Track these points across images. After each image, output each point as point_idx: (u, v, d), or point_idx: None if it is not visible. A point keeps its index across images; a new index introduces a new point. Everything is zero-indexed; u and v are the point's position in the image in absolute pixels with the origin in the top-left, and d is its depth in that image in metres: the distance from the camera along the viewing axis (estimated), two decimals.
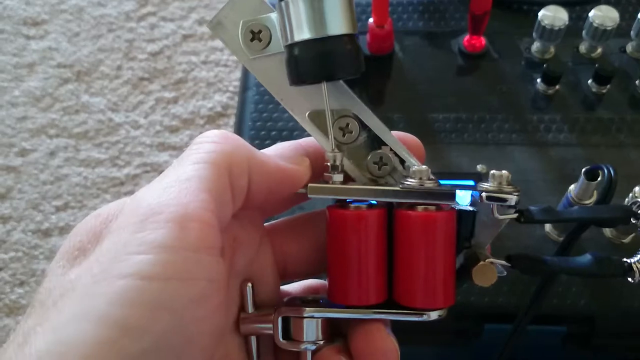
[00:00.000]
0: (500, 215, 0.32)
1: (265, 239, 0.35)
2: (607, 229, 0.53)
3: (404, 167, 0.34)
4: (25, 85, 0.87)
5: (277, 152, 0.34)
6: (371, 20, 0.62)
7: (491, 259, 0.33)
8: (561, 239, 0.53)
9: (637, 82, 0.61)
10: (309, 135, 0.34)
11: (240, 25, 0.32)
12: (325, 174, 0.33)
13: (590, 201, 0.50)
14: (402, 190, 0.32)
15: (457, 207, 0.33)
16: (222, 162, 0.29)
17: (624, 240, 0.53)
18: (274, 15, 0.32)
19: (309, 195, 0.32)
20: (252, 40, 0.32)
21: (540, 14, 0.60)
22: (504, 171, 0.32)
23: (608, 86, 0.61)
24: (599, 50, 0.63)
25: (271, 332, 0.33)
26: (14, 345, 0.25)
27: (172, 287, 0.26)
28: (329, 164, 0.32)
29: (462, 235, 0.34)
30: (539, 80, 0.62)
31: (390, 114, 0.62)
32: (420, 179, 0.32)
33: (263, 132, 0.62)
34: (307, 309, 0.33)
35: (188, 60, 0.86)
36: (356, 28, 0.31)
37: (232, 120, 0.81)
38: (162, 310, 0.25)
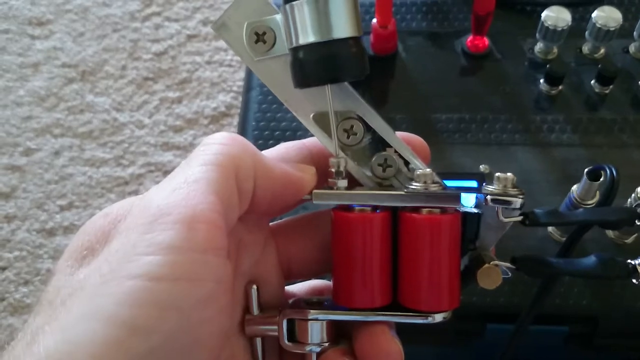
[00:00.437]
0: (505, 217, 0.32)
1: (269, 240, 0.35)
2: (610, 231, 0.54)
3: (408, 169, 0.34)
4: (30, 85, 0.87)
5: (281, 153, 0.34)
6: (374, 20, 0.62)
7: (496, 261, 0.33)
8: (564, 239, 0.53)
9: (639, 82, 0.61)
10: (313, 135, 0.34)
11: (245, 26, 0.32)
12: (330, 179, 0.33)
13: (592, 201, 0.50)
14: (406, 195, 0.32)
15: (462, 210, 0.33)
16: (229, 164, 0.29)
17: (626, 241, 0.53)
18: (278, 17, 0.32)
19: (314, 202, 0.33)
20: (256, 42, 0.32)
21: (543, 14, 0.60)
22: (508, 174, 0.32)
23: (611, 87, 0.61)
24: (602, 50, 0.63)
25: (276, 334, 0.33)
26: (22, 344, 0.25)
27: (180, 288, 0.26)
28: (333, 169, 0.33)
29: (467, 238, 0.34)
30: (542, 80, 0.62)
31: (393, 114, 0.62)
32: (425, 182, 0.32)
33: (267, 132, 0.62)
34: (311, 311, 0.33)
35: (192, 61, 0.87)
36: (361, 31, 0.31)
37: (235, 120, 0.81)
38: (170, 311, 0.26)
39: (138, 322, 0.25)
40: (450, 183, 0.34)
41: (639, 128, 0.59)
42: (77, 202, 0.78)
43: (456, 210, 0.32)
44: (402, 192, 0.32)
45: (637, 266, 0.33)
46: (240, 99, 0.81)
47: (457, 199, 0.32)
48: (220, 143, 0.30)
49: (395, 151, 0.34)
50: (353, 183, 0.34)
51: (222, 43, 0.87)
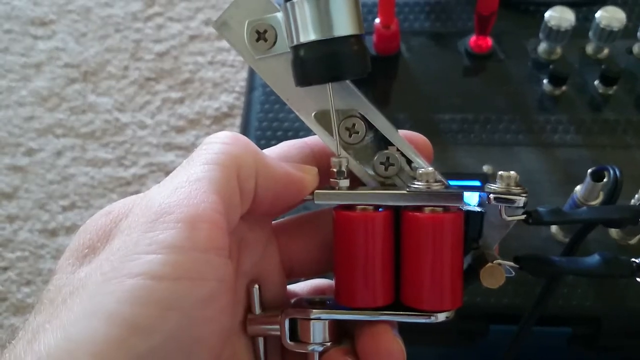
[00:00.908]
0: (509, 216, 0.32)
1: (271, 239, 0.35)
2: (613, 230, 0.53)
3: (411, 168, 0.34)
4: (32, 85, 0.87)
5: (283, 151, 0.34)
6: (377, 20, 0.62)
7: (499, 260, 0.33)
8: (567, 239, 0.53)
9: None
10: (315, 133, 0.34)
11: (246, 25, 0.32)
12: (331, 179, 0.33)
13: (596, 202, 0.50)
14: (409, 193, 0.32)
15: (465, 209, 0.33)
16: (231, 164, 0.29)
17: (630, 242, 0.53)
18: (279, 15, 0.32)
19: (315, 202, 0.33)
20: (257, 40, 0.32)
21: (546, 14, 0.60)
22: (512, 172, 0.32)
23: (614, 87, 0.61)
24: (606, 51, 0.63)
25: (278, 333, 0.33)
26: (23, 342, 0.25)
27: (181, 287, 0.26)
28: (334, 169, 0.32)
29: (470, 236, 0.34)
30: (545, 81, 0.62)
31: (396, 114, 0.62)
32: (427, 181, 0.31)
33: (269, 132, 0.62)
34: (314, 310, 0.33)
35: (194, 61, 0.86)
36: (363, 29, 0.31)
37: (238, 121, 0.81)
38: (171, 310, 0.26)
39: (139, 320, 0.25)
40: (453, 183, 0.34)
41: None
42: (79, 203, 0.78)
43: (459, 209, 0.32)
44: (405, 191, 0.32)
45: None
46: (242, 99, 0.81)
47: (460, 197, 0.32)
48: (222, 142, 0.30)
49: (398, 150, 0.34)
50: (355, 182, 0.34)
51: (224, 43, 0.87)
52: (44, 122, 0.84)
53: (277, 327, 0.33)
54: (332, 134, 0.33)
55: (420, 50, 0.66)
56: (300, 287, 0.38)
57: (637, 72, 0.62)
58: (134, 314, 0.25)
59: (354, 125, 0.34)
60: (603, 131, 0.59)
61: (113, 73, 0.87)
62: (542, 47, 0.64)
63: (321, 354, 0.33)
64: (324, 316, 0.33)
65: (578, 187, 0.51)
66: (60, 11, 0.94)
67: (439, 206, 0.31)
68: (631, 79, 0.62)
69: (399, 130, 0.34)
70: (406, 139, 0.34)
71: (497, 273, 0.33)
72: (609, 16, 0.59)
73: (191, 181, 0.28)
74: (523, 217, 0.32)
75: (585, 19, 0.64)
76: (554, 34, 0.60)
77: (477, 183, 0.52)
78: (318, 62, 0.30)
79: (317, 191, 0.32)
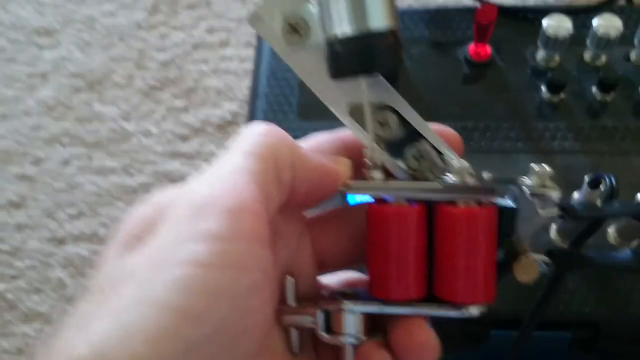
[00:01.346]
0: (543, 211, 0.33)
1: (304, 231, 0.36)
2: (611, 234, 0.54)
3: (442, 161, 0.34)
4: (38, 95, 0.88)
5: (315, 144, 0.35)
6: None
7: (532, 255, 0.33)
8: (566, 245, 0.54)
9: None
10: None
11: (279, 18, 0.33)
12: (365, 170, 0.33)
13: None
14: (443, 188, 0.32)
15: (498, 204, 0.33)
16: (269, 154, 0.30)
17: (629, 247, 0.54)
18: (312, 8, 0.32)
19: (349, 193, 0.33)
20: (290, 33, 0.33)
21: (544, 23, 0.61)
22: (546, 167, 0.32)
23: (612, 94, 0.61)
24: (603, 58, 0.64)
25: (312, 325, 0.33)
26: (73, 329, 0.26)
27: (229, 276, 0.27)
28: (367, 161, 0.33)
29: (503, 231, 0.34)
30: (543, 88, 0.62)
31: None
32: (462, 175, 0.32)
33: None
34: (348, 303, 0.33)
35: (198, 69, 0.88)
36: (397, 21, 0.31)
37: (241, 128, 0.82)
38: (219, 298, 0.26)
39: (188, 308, 0.25)
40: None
41: None
42: (86, 211, 0.79)
43: (493, 203, 0.32)
44: (439, 185, 0.32)
45: None
46: (245, 107, 0.82)
47: (494, 192, 0.32)
48: (258, 133, 0.31)
49: (430, 143, 0.34)
50: (387, 174, 0.34)
51: (227, 51, 0.88)
52: (51, 131, 0.85)
53: (311, 318, 0.33)
54: (364, 127, 0.33)
55: (420, 58, 0.67)
56: (331, 279, 0.38)
57: (635, 78, 0.63)
58: (182, 302, 0.25)
59: (386, 118, 0.34)
60: (601, 138, 0.60)
61: (118, 82, 0.88)
62: (540, 54, 0.64)
63: (355, 346, 0.34)
64: (357, 308, 0.33)
65: (576, 194, 0.52)
66: (65, 21, 0.95)
67: (474, 200, 0.32)
68: (629, 86, 0.62)
69: (429, 124, 0.34)
70: (436, 132, 0.34)
71: (530, 268, 0.33)
72: (606, 24, 0.60)
73: (231, 172, 0.29)
74: (558, 212, 0.33)
75: (582, 26, 0.65)
76: (552, 42, 0.61)
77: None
78: (352, 55, 0.31)
79: (351, 182, 0.33)
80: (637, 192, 0.51)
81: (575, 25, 0.61)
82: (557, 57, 0.64)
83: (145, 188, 0.80)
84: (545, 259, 0.34)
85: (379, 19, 0.30)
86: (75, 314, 0.27)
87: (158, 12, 0.93)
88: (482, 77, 0.65)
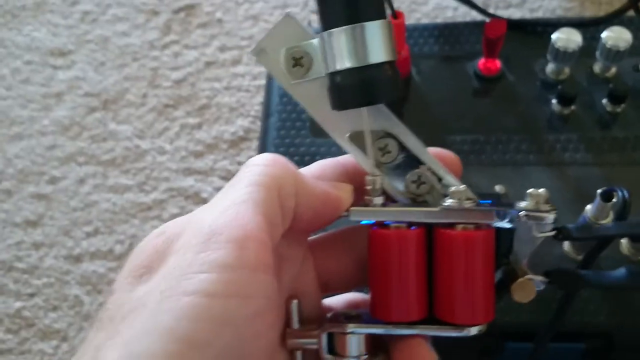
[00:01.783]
0: (539, 233, 0.33)
1: (308, 255, 0.37)
2: (624, 246, 0.54)
3: (442, 185, 0.35)
4: (53, 115, 0.90)
5: (318, 170, 0.36)
6: None
7: (529, 275, 0.34)
8: (579, 257, 0.54)
9: None
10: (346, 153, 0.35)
11: (283, 52, 0.34)
12: (366, 197, 0.34)
13: (606, 221, 0.51)
14: (441, 211, 0.33)
15: (496, 225, 0.34)
16: (272, 185, 0.31)
17: None
18: (315, 42, 0.34)
19: (351, 219, 0.34)
20: (294, 66, 0.34)
21: (553, 36, 0.61)
22: (541, 190, 0.33)
23: (623, 105, 0.62)
24: (613, 69, 0.64)
25: (316, 347, 0.34)
26: (86, 359, 0.27)
27: (233, 304, 0.28)
28: (369, 187, 0.34)
29: (501, 252, 0.35)
30: (554, 101, 0.63)
31: None
32: (459, 199, 0.33)
33: (286, 158, 0.64)
34: (350, 325, 0.34)
35: (211, 87, 0.89)
36: (396, 54, 0.33)
37: (254, 144, 0.83)
38: (225, 326, 0.27)
39: (195, 336, 0.27)
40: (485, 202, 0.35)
41: None
42: (102, 229, 0.80)
43: (490, 225, 0.33)
44: (437, 209, 0.33)
45: None
46: (258, 123, 0.83)
47: (492, 214, 0.33)
48: (263, 164, 0.32)
49: (429, 168, 0.35)
50: (388, 199, 0.35)
51: (239, 69, 0.89)
52: (66, 150, 0.86)
53: (315, 340, 0.34)
54: (365, 154, 0.34)
55: (431, 73, 0.68)
56: (335, 300, 0.39)
57: None
58: (190, 330, 0.26)
59: (386, 145, 0.35)
60: (612, 149, 0.60)
61: (132, 101, 0.89)
62: (550, 67, 0.65)
63: None
64: (360, 330, 0.34)
65: (588, 207, 0.52)
66: (78, 41, 0.96)
67: (471, 223, 0.33)
68: (639, 97, 0.63)
69: (428, 148, 0.35)
70: (435, 155, 0.35)
71: (528, 288, 0.34)
72: (615, 36, 0.61)
73: (237, 203, 0.30)
74: (553, 233, 0.34)
75: (592, 39, 0.66)
76: (562, 55, 0.61)
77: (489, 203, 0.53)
78: (354, 88, 0.32)
79: (352, 208, 0.34)
80: None
81: (584, 38, 0.62)
82: (567, 70, 0.65)
83: (160, 205, 0.81)
84: (544, 279, 0.34)
85: (378, 53, 0.32)
86: (87, 344, 0.28)
87: (171, 32, 0.94)
88: (492, 91, 0.66)
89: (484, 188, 0.59)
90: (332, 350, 0.35)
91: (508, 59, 0.67)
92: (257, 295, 0.29)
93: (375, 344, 0.36)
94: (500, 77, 0.66)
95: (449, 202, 0.33)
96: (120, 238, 0.79)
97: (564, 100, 0.62)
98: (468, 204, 0.33)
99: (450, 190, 0.33)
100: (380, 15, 0.32)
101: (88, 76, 0.92)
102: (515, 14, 0.87)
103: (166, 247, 0.31)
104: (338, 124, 0.35)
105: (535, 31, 0.69)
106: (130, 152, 0.85)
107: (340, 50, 0.32)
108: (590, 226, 0.35)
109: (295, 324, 0.35)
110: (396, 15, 0.60)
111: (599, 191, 0.49)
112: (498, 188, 0.59)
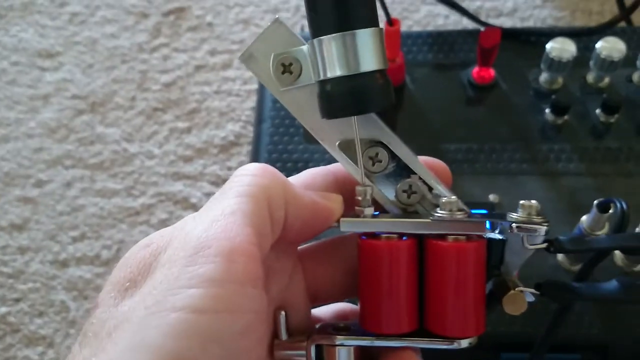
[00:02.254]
0: (530, 245, 0.33)
1: (297, 265, 0.36)
2: (618, 257, 0.54)
3: (432, 195, 0.35)
4: (40, 117, 0.88)
5: (308, 179, 0.35)
6: None
7: (520, 287, 0.34)
8: (573, 268, 0.54)
9: None
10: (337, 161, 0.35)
11: (272, 58, 0.33)
12: (357, 207, 0.34)
13: (602, 232, 0.51)
14: (432, 222, 0.33)
15: (487, 236, 0.33)
16: (261, 195, 0.30)
17: (635, 269, 0.54)
18: (304, 48, 0.33)
19: (341, 230, 0.34)
20: (283, 72, 0.33)
21: (547, 46, 0.61)
22: (533, 201, 0.33)
23: (616, 115, 0.62)
24: (607, 80, 0.65)
25: (304, 358, 0.34)
26: None
27: (221, 320, 0.27)
28: (359, 197, 0.34)
29: (492, 263, 0.35)
30: (547, 110, 0.63)
31: None
32: (450, 210, 0.32)
33: (279, 164, 0.63)
34: (339, 337, 0.34)
35: (201, 91, 0.88)
36: (387, 63, 0.32)
37: (244, 149, 0.82)
38: (213, 342, 0.27)
39: (183, 353, 0.26)
40: (477, 212, 0.34)
41: None
42: (89, 233, 0.79)
43: (481, 237, 0.33)
44: (428, 220, 0.33)
45: None
46: (249, 128, 0.83)
47: (483, 226, 0.32)
48: (252, 174, 0.31)
49: (420, 178, 0.35)
50: (378, 209, 0.35)
51: (230, 73, 0.89)
52: (53, 153, 0.85)
53: (303, 352, 0.34)
54: (355, 163, 0.34)
55: (425, 81, 0.67)
56: (324, 311, 0.39)
57: (638, 100, 0.63)
58: (177, 347, 0.26)
59: (377, 154, 0.35)
60: (606, 159, 0.60)
61: (120, 104, 0.88)
62: (544, 77, 0.65)
63: None
64: (349, 342, 0.34)
65: (584, 218, 0.52)
66: (66, 43, 0.95)
67: (462, 234, 0.32)
68: (632, 107, 0.63)
69: (419, 157, 0.35)
70: (426, 164, 0.35)
71: (519, 300, 0.33)
72: (610, 47, 0.61)
73: (226, 214, 0.29)
74: (544, 245, 0.33)
75: (585, 49, 0.66)
76: (556, 65, 0.62)
77: (483, 212, 0.53)
78: (344, 97, 0.31)
79: (343, 219, 0.34)
80: None
81: (578, 48, 0.62)
82: (560, 80, 0.65)
83: (148, 209, 0.80)
84: (534, 291, 0.34)
85: (369, 62, 0.31)
86: (72, 359, 0.28)
87: (160, 35, 0.93)
88: (486, 99, 0.66)
89: (477, 197, 0.59)
90: None
91: (502, 68, 0.67)
92: (246, 310, 0.28)
93: (364, 356, 0.35)
94: (494, 86, 0.66)
95: (440, 213, 0.33)
96: (107, 243, 0.78)
97: (558, 110, 0.62)
98: (459, 215, 0.32)
99: (442, 201, 0.33)
100: (373, 23, 0.31)
101: (76, 78, 0.91)
102: (506, 22, 0.87)
103: (153, 259, 0.30)
104: (328, 132, 0.34)
105: (529, 40, 0.69)
106: (118, 156, 0.84)
107: (330, 58, 0.31)
108: (583, 238, 0.35)
109: (284, 336, 0.34)
110: (392, 22, 0.60)
111: (595, 202, 0.49)
112: (492, 197, 0.59)
